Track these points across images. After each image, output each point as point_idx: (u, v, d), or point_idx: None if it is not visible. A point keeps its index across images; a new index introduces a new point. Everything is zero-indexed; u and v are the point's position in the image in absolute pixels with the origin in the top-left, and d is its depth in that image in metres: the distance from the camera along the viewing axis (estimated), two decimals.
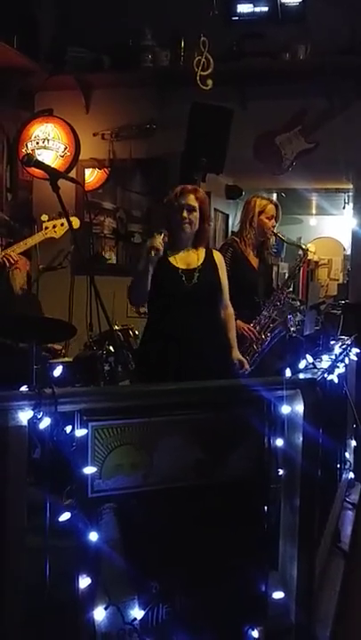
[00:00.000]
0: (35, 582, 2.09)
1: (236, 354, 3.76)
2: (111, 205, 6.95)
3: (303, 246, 4.56)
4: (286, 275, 4.54)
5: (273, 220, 4.29)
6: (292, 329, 4.25)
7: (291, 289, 9.45)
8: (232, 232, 4.54)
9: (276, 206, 4.32)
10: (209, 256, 3.68)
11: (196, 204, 3.55)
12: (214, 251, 3.80)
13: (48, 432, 2.06)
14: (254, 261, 4.29)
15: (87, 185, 6.34)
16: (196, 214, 3.56)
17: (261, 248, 4.33)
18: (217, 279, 3.68)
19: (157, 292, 3.52)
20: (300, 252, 4.62)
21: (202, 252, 3.67)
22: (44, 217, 4.31)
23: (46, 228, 4.29)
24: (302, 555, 2.63)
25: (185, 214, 3.53)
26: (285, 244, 5.47)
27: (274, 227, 4.34)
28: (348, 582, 3.35)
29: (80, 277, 5.39)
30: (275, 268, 7.52)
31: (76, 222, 4.05)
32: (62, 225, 4.20)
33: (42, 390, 2.03)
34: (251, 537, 2.54)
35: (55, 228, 4.27)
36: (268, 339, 4.14)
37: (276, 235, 4.39)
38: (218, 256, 3.77)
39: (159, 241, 3.40)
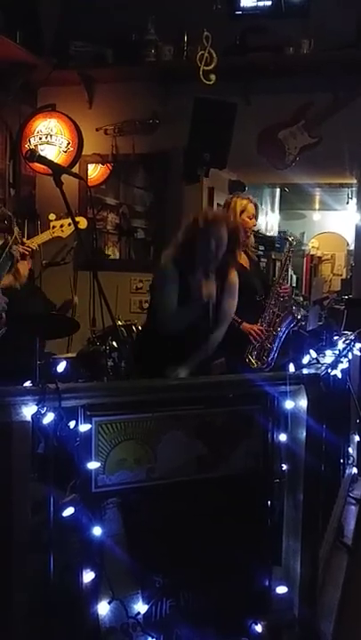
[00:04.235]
0: (39, 577, 2.09)
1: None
2: (114, 201, 6.96)
3: (289, 238, 4.62)
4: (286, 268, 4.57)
5: (253, 220, 4.32)
6: (298, 316, 4.26)
7: (294, 284, 9.48)
8: None
9: (255, 205, 4.36)
10: (225, 282, 3.61)
11: (225, 234, 3.45)
12: (232, 273, 3.65)
13: (52, 427, 2.07)
14: (245, 262, 4.29)
15: (90, 180, 6.33)
16: (224, 245, 3.45)
17: (244, 247, 4.35)
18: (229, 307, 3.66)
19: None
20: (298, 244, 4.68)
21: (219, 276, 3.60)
22: (52, 216, 4.30)
23: (54, 227, 4.30)
24: (306, 549, 2.64)
25: (212, 246, 3.41)
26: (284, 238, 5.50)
27: (255, 225, 4.38)
28: (352, 577, 3.36)
29: (83, 273, 5.41)
30: (277, 264, 7.53)
31: (83, 223, 4.06)
32: (70, 225, 4.20)
33: (46, 385, 2.03)
34: (254, 532, 2.55)
35: (63, 227, 4.28)
36: (281, 332, 4.16)
37: (256, 233, 4.44)
38: (233, 278, 3.66)
39: (213, 289, 3.40)
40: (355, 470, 4.58)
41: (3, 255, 3.54)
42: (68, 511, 2.13)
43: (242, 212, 4.24)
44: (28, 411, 2.01)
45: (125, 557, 2.27)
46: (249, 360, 4.08)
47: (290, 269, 8.70)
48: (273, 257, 7.75)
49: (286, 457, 2.68)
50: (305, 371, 2.83)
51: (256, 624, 2.50)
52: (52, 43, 6.25)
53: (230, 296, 3.64)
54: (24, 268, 4.10)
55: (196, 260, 3.46)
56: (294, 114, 6.03)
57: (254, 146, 6.08)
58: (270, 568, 2.60)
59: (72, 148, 6.16)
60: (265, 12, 6.07)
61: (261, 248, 7.31)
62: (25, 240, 4.13)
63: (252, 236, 4.42)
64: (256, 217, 4.40)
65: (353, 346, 4.32)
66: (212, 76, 5.49)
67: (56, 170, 3.24)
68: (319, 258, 11.72)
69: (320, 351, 3.48)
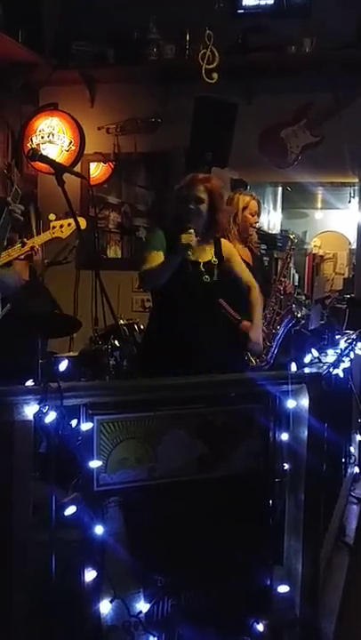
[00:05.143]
0: (41, 576, 2.10)
1: (253, 333, 3.70)
2: (116, 200, 6.95)
3: (291, 236, 4.61)
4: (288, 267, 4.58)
5: (255, 217, 4.31)
6: (298, 315, 4.25)
7: (296, 283, 9.43)
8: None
9: (258, 202, 4.35)
10: (218, 249, 3.61)
11: (204, 196, 3.47)
12: (223, 240, 3.69)
13: (54, 426, 2.07)
14: (247, 257, 4.28)
15: (92, 179, 6.33)
16: (205, 205, 3.47)
17: (247, 243, 4.34)
18: (234, 273, 3.64)
19: (172, 285, 3.40)
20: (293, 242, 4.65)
21: (212, 245, 3.59)
22: (52, 216, 4.31)
23: (54, 227, 4.30)
24: (307, 549, 2.63)
25: (191, 205, 3.46)
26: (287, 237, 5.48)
27: (257, 222, 4.37)
28: (353, 577, 3.36)
29: (85, 272, 5.42)
30: (280, 262, 7.51)
31: (82, 223, 4.06)
32: (69, 225, 4.20)
33: (47, 384, 2.03)
34: (256, 531, 2.54)
35: (62, 227, 4.28)
36: (280, 331, 4.15)
37: (258, 230, 4.42)
38: (228, 247, 3.70)
39: (192, 238, 3.32)
40: (357, 470, 4.58)
41: (3, 216, 3.48)
42: (70, 510, 2.13)
43: (244, 208, 4.24)
44: (29, 410, 2.01)
45: (127, 556, 2.27)
46: (248, 358, 4.08)
47: (292, 268, 8.70)
48: (275, 256, 7.74)
49: (288, 456, 2.68)
50: (307, 370, 2.82)
51: (257, 623, 2.50)
52: (53, 42, 6.25)
53: (235, 265, 3.65)
54: (23, 267, 4.10)
55: (183, 223, 3.46)
56: (295, 113, 6.03)
57: (256, 145, 6.08)
58: (272, 567, 2.60)
59: (74, 147, 6.17)
60: (266, 11, 6.07)
61: (263, 247, 7.29)
62: (25, 240, 4.13)
63: (255, 232, 4.42)
64: (259, 214, 4.40)
65: (355, 345, 4.32)
66: (215, 75, 5.49)
67: (58, 169, 3.25)
68: (321, 257, 11.70)
69: (322, 350, 3.47)
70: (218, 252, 3.59)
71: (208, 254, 3.56)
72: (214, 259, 3.55)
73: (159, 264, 3.41)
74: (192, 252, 3.40)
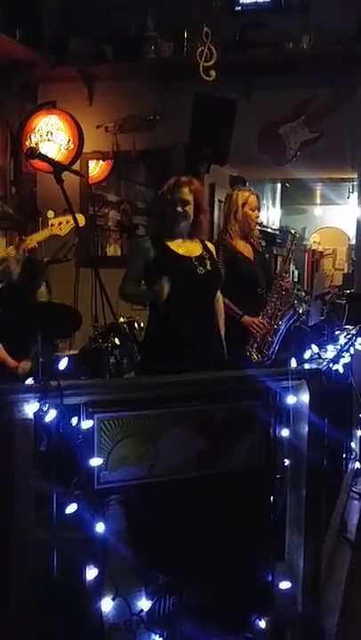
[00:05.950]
0: (42, 574, 2.10)
1: None
2: (115, 198, 6.94)
3: (292, 231, 4.64)
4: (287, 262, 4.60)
5: (256, 211, 4.32)
6: (300, 310, 4.26)
7: (296, 279, 9.43)
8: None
9: (257, 197, 4.36)
10: (206, 246, 3.74)
11: (190, 197, 3.57)
12: (206, 242, 3.83)
13: (54, 424, 2.07)
14: (249, 253, 4.29)
15: (91, 177, 6.33)
16: (191, 206, 3.58)
17: (248, 239, 4.36)
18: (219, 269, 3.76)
19: (169, 281, 3.48)
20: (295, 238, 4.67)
21: (199, 242, 3.71)
22: (50, 214, 4.30)
23: (52, 225, 4.29)
24: (309, 545, 2.63)
25: (179, 208, 3.56)
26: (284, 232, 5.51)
27: (257, 217, 4.38)
28: (355, 572, 3.36)
29: (85, 269, 5.41)
30: (279, 259, 7.52)
31: (81, 220, 4.06)
32: (68, 222, 4.20)
33: (47, 383, 2.03)
34: (257, 527, 2.54)
35: (61, 225, 4.26)
36: (282, 325, 4.16)
37: (260, 225, 4.44)
38: (211, 246, 3.82)
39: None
40: (358, 465, 4.58)
41: None
42: (71, 508, 2.13)
43: (244, 204, 4.25)
44: (30, 408, 2.01)
45: (128, 554, 2.27)
46: (250, 353, 4.08)
47: (292, 264, 8.70)
48: (275, 252, 7.75)
49: (289, 452, 2.68)
50: (307, 366, 2.82)
51: (259, 620, 2.50)
52: (52, 39, 6.24)
53: None
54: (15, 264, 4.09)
55: (167, 224, 3.61)
56: (295, 109, 6.03)
57: (255, 142, 6.08)
58: (273, 564, 2.60)
59: (72, 146, 6.16)
60: (264, 7, 6.07)
61: (263, 243, 7.30)
62: (23, 237, 4.13)
63: (256, 227, 4.43)
64: (258, 209, 4.41)
65: (355, 340, 4.31)
66: (212, 72, 5.48)
67: (56, 167, 3.24)
68: (321, 253, 11.72)
69: (322, 346, 3.47)
70: (208, 249, 3.72)
71: (198, 249, 3.67)
72: (205, 252, 3.67)
73: (138, 294, 3.72)
74: (183, 249, 3.60)
